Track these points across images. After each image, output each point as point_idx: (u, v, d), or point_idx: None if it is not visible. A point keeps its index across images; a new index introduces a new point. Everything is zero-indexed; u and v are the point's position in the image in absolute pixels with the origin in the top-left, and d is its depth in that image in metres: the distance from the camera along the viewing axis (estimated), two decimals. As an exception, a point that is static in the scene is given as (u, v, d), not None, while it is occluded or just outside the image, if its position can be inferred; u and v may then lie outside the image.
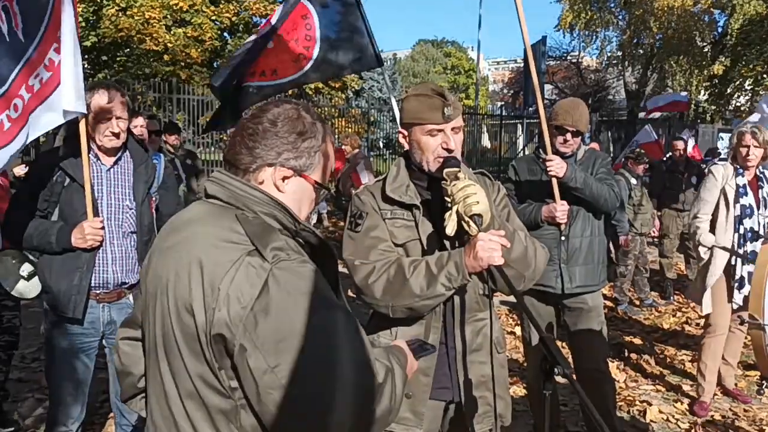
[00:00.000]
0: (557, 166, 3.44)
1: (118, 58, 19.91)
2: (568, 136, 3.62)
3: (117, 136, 2.97)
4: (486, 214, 2.01)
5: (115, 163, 3.05)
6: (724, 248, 4.27)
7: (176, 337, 1.38)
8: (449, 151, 2.19)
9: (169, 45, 18.44)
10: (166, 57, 19.07)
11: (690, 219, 4.51)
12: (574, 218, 3.64)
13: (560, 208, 3.53)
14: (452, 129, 2.20)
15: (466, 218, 1.99)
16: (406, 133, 2.29)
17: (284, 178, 1.50)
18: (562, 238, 3.63)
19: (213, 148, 18.34)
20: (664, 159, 8.85)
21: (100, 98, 2.92)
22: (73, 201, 2.92)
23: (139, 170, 3.10)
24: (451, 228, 2.04)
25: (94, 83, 3.02)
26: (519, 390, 4.86)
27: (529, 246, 2.26)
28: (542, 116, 3.57)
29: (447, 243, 2.22)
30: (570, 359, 3.80)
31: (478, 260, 2.02)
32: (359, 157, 8.34)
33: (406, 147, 2.31)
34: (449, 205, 2.06)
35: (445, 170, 2.12)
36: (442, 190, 2.11)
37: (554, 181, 3.50)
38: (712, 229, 4.38)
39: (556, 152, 3.60)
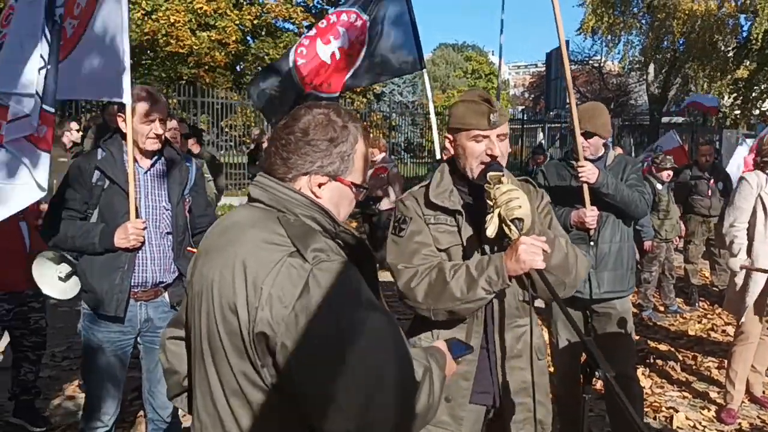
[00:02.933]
0: (589, 172, 3.44)
1: (143, 61, 20.14)
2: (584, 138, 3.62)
3: (159, 138, 3.04)
4: (527, 219, 2.02)
5: (152, 165, 3.12)
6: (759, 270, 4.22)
7: (221, 335, 1.42)
8: (493, 157, 2.21)
9: (194, 48, 18.62)
10: (190, 60, 19.25)
11: (726, 228, 4.44)
12: (604, 224, 3.64)
13: (590, 214, 3.53)
14: (498, 136, 2.22)
15: (508, 222, 2.01)
16: (452, 138, 2.32)
17: (320, 185, 1.53)
18: (591, 243, 3.63)
19: (235, 151, 18.47)
20: (690, 164, 8.75)
21: (144, 102, 2.99)
22: (113, 203, 3.00)
23: (173, 172, 3.17)
24: (491, 230, 2.05)
25: (135, 87, 3.09)
26: (544, 394, 4.86)
27: (570, 253, 2.27)
28: (576, 121, 3.55)
29: (488, 249, 2.23)
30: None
31: (519, 263, 2.03)
32: (387, 161, 8.39)
33: (452, 152, 2.33)
34: (491, 208, 2.07)
35: (489, 174, 2.14)
36: (485, 195, 2.12)
37: (585, 186, 3.50)
38: (750, 238, 4.34)
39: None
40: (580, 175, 3.47)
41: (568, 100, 3.88)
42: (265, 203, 1.52)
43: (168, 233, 3.11)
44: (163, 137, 3.07)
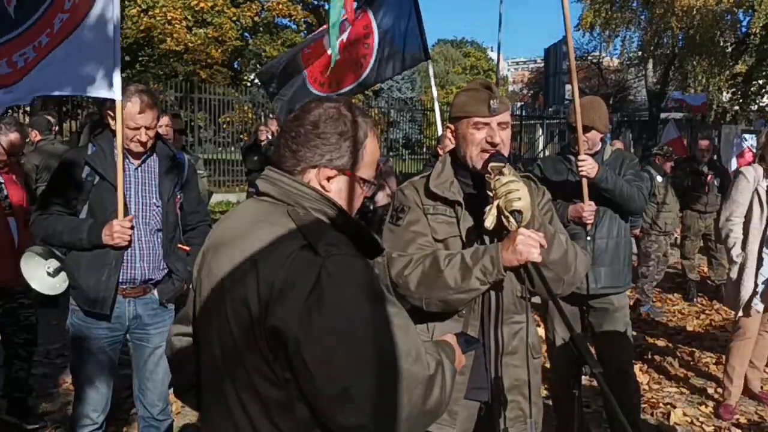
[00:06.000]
0: (590, 167, 3.41)
1: (140, 58, 20.08)
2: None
3: (144, 145, 3.01)
4: (527, 211, 1.99)
5: (143, 162, 3.09)
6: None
7: (232, 331, 1.41)
8: (493, 145, 2.17)
9: (190, 45, 18.56)
10: (187, 57, 19.20)
11: (722, 222, 4.43)
12: (601, 219, 3.61)
13: (588, 209, 3.50)
14: (498, 124, 2.19)
15: (506, 213, 1.98)
16: (453, 127, 2.29)
17: (329, 178, 1.52)
18: (588, 238, 3.60)
19: (233, 148, 18.42)
20: (687, 158, 8.71)
21: (133, 107, 2.94)
22: (102, 199, 2.97)
23: (165, 169, 3.14)
24: (490, 221, 2.02)
25: (127, 87, 3.05)
26: (540, 391, 4.82)
27: (569, 249, 2.23)
28: (577, 115, 3.51)
29: (486, 240, 2.20)
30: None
31: (516, 254, 2.00)
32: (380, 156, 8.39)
33: (452, 145, 2.31)
34: (491, 199, 2.04)
35: (490, 164, 2.10)
36: (485, 185, 2.09)
37: (584, 181, 3.47)
38: (746, 232, 4.32)
39: (574, 152, 3.58)
40: (580, 169, 3.44)
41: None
42: (274, 197, 1.51)
43: (158, 230, 3.07)
44: (150, 142, 3.03)
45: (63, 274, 3.11)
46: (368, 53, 5.22)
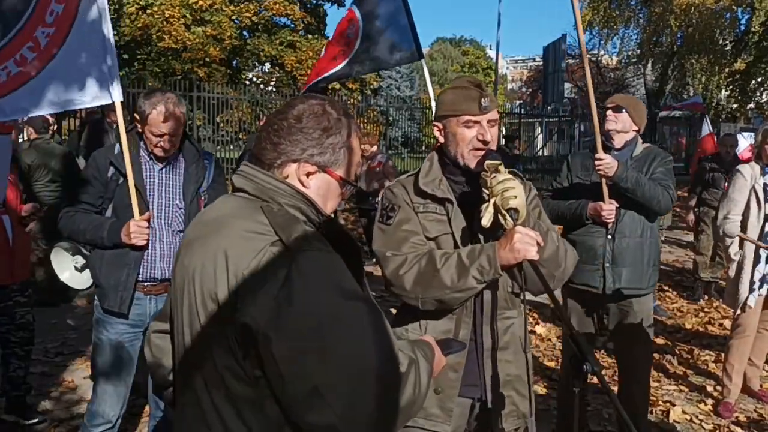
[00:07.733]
0: (607, 166, 3.32)
1: (138, 56, 20.07)
2: (609, 112, 3.56)
3: (167, 151, 3.02)
4: (522, 210, 1.99)
5: (168, 163, 3.09)
6: (753, 241, 4.21)
7: (202, 326, 1.40)
8: (485, 143, 2.17)
9: (188, 43, 18.56)
10: (185, 55, 19.20)
11: (720, 220, 4.41)
12: (621, 218, 3.50)
13: (607, 208, 3.40)
14: (488, 122, 2.19)
15: (503, 211, 1.97)
16: (441, 126, 2.28)
17: (308, 174, 1.51)
18: (608, 237, 3.51)
19: (231, 146, 18.41)
20: (710, 155, 8.66)
21: (158, 115, 2.93)
22: (126, 198, 2.98)
23: (190, 170, 3.13)
24: (487, 219, 2.01)
25: (153, 90, 3.05)
26: (540, 389, 4.82)
27: (560, 246, 2.23)
28: (594, 115, 3.47)
29: (480, 237, 2.19)
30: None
31: (514, 252, 1.99)
32: (378, 153, 8.39)
33: (441, 140, 2.30)
34: (486, 197, 2.03)
35: (486, 162, 2.09)
36: (479, 182, 2.07)
37: (603, 180, 3.39)
38: (743, 229, 4.32)
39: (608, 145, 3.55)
40: (597, 167, 3.36)
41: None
42: (249, 193, 1.50)
43: (179, 231, 3.07)
44: (173, 148, 3.03)
45: (88, 271, 3.14)
46: (352, 41, 5.27)
